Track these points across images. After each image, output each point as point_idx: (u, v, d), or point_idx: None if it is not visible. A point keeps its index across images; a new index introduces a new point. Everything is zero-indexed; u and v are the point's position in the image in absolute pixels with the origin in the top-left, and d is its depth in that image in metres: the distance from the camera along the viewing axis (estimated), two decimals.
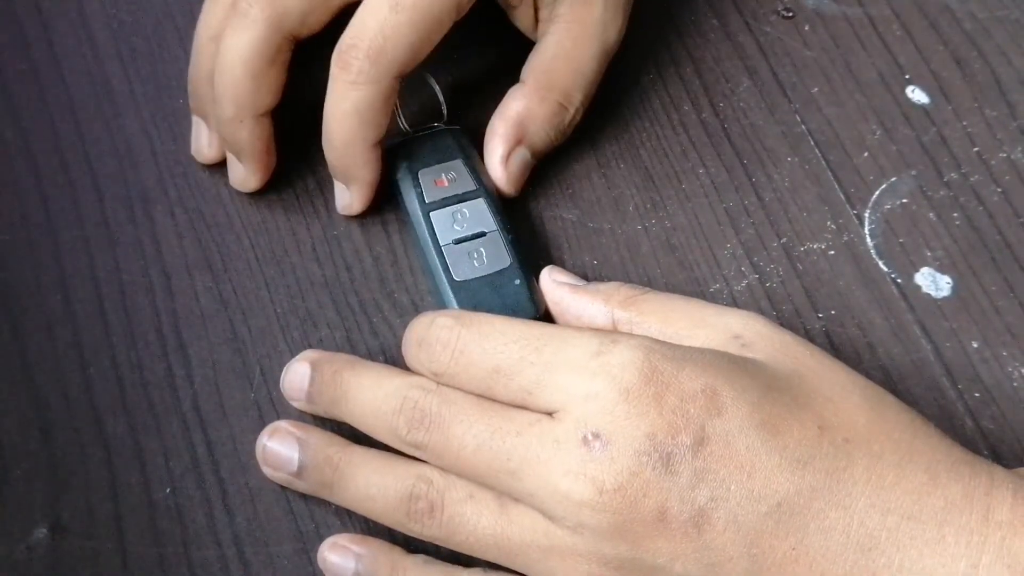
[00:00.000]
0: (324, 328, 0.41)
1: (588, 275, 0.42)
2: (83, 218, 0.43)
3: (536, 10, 0.43)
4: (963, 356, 0.41)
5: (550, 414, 0.34)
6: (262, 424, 0.38)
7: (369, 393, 0.37)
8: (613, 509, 0.32)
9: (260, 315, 0.41)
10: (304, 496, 0.38)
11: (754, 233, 0.43)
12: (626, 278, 0.42)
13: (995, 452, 0.39)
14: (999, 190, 0.44)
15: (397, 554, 0.36)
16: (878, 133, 0.45)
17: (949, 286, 0.42)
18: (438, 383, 0.36)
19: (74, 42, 0.47)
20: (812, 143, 0.45)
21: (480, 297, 0.39)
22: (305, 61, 0.41)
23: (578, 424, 0.33)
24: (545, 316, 0.40)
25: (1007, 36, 0.47)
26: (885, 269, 0.42)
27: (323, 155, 0.41)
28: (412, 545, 0.37)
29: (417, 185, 0.41)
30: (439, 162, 0.42)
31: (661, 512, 0.32)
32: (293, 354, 0.39)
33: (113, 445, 0.39)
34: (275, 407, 0.40)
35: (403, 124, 0.43)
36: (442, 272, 0.40)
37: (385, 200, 0.43)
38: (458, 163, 0.42)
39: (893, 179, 0.44)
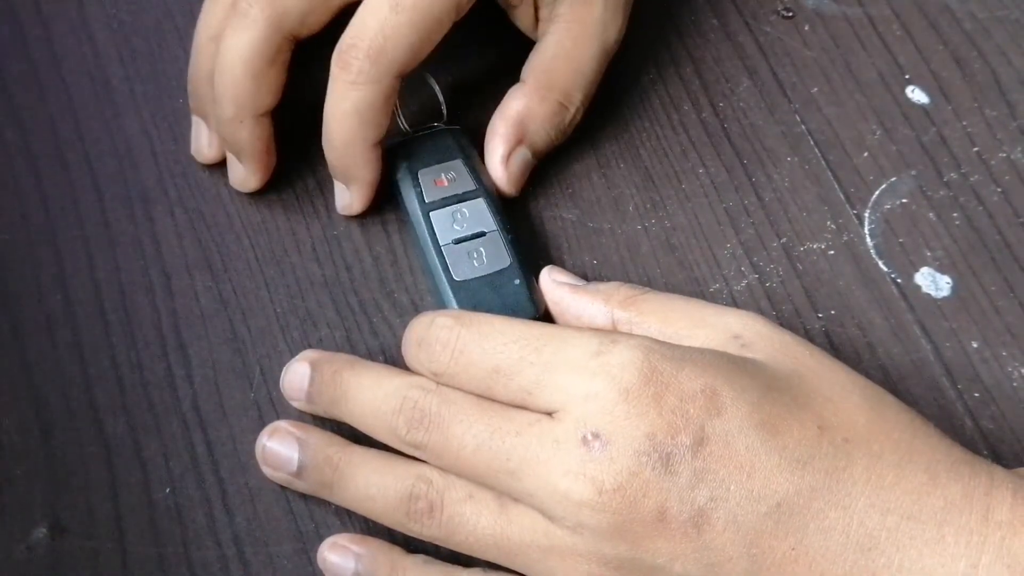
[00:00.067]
0: (324, 328, 0.41)
1: (588, 275, 0.42)
2: (83, 218, 0.43)
3: (536, 10, 0.43)
4: (963, 356, 0.41)
5: (550, 414, 0.34)
6: (262, 424, 0.38)
7: (369, 393, 0.37)
8: (613, 509, 0.32)
9: (260, 315, 0.41)
10: (304, 496, 0.38)
11: (754, 233, 0.43)
12: (626, 278, 0.42)
13: (995, 452, 0.39)
14: (999, 190, 0.44)
15: (397, 554, 0.36)
16: (878, 133, 0.45)
17: (949, 286, 0.42)
18: (438, 383, 0.36)
19: (74, 42, 0.47)
20: (812, 143, 0.45)
21: (480, 297, 0.39)
22: (305, 61, 0.41)
23: (578, 424, 0.33)
24: (545, 316, 0.40)
25: (1007, 36, 0.47)
26: (885, 269, 0.42)
27: (323, 155, 0.41)
28: (412, 545, 0.37)
29: (417, 185, 0.41)
30: (439, 162, 0.42)
31: (661, 512, 0.32)
32: (293, 354, 0.39)
33: (113, 445, 0.39)
34: (275, 407, 0.40)
35: (403, 124, 0.43)
36: (442, 272, 0.40)
37: (385, 200, 0.43)
38: (458, 163, 0.42)
39: (893, 179, 0.44)
